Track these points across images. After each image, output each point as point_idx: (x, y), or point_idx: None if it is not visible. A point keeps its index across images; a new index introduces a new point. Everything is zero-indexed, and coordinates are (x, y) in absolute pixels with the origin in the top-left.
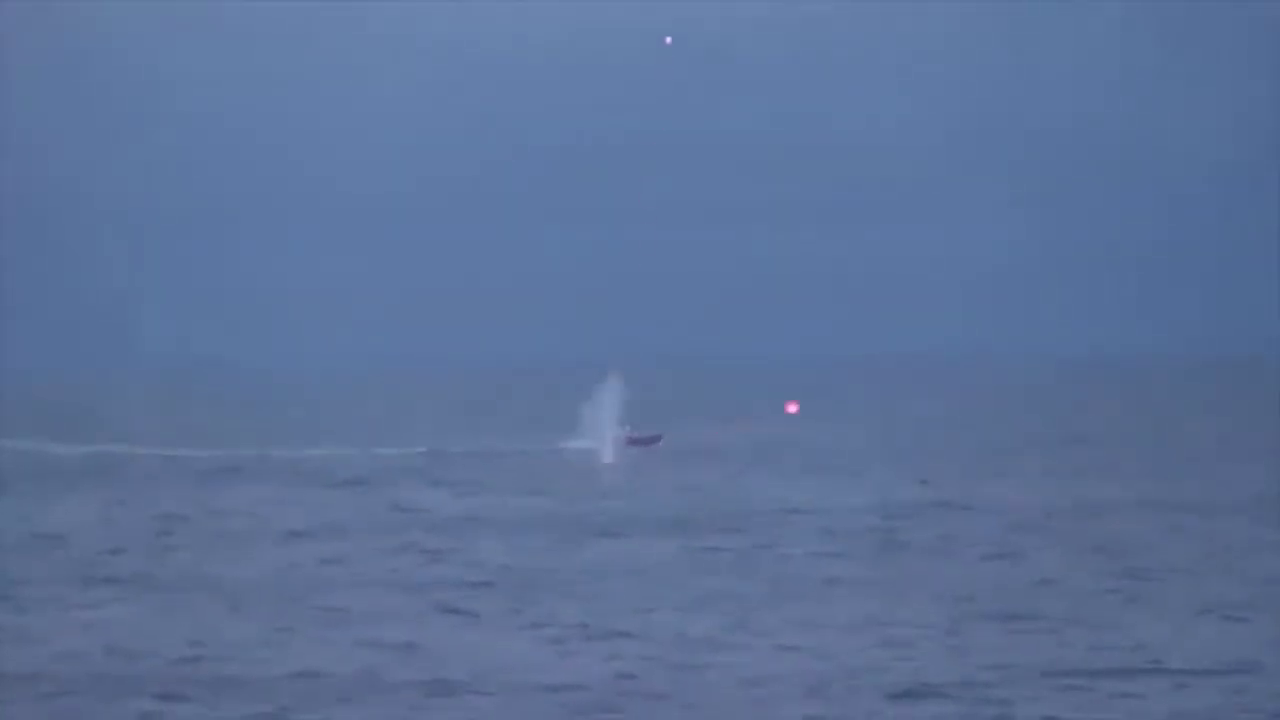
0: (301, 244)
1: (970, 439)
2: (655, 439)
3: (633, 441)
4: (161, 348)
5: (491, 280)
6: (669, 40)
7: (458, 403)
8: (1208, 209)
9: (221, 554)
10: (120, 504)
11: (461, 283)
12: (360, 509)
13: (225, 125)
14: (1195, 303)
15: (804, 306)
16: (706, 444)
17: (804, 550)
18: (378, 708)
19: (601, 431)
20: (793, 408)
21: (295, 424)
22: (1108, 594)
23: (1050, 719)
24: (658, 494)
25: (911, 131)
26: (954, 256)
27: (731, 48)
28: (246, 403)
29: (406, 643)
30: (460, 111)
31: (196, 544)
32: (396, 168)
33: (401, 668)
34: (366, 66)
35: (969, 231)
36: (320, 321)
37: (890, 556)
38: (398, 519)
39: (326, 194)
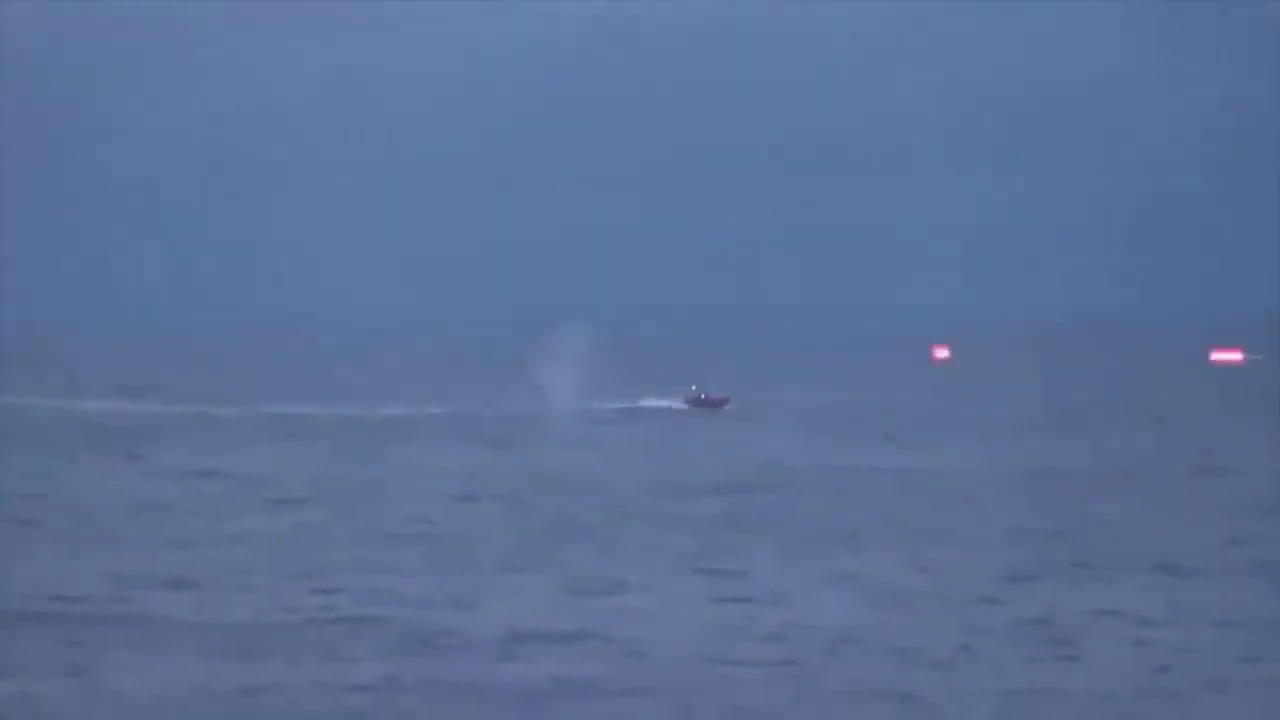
0: (314, 209)
1: (953, 400)
2: (723, 401)
3: (700, 403)
4: (168, 312)
5: (507, 247)
6: None
7: (466, 364)
8: (1203, 179)
9: (226, 510)
10: (121, 461)
11: (480, 249)
12: (362, 467)
13: (243, 90)
14: (1189, 270)
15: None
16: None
17: (804, 509)
18: (377, 656)
19: (561, 391)
20: (942, 352)
21: (314, 382)
22: (1081, 558)
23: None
24: (638, 455)
25: (916, 112)
26: (951, 223)
27: (732, 47)
28: (263, 361)
29: (407, 594)
30: (471, 93)
31: (195, 501)
32: (410, 137)
33: (402, 618)
34: (375, 44)
35: (965, 196)
36: (335, 283)
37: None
38: (398, 476)
39: (343, 162)
